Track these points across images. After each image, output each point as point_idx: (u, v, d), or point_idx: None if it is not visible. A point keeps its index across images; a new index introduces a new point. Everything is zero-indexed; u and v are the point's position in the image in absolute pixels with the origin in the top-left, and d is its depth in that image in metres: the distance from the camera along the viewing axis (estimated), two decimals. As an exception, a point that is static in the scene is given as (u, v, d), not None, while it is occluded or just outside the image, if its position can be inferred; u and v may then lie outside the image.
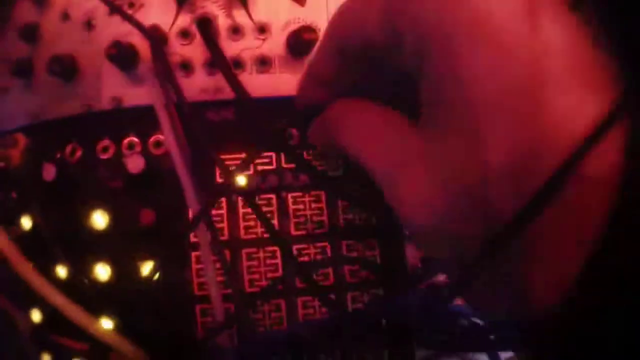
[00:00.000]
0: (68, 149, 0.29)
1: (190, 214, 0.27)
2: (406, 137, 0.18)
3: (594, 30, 0.13)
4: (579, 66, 0.13)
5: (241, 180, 0.28)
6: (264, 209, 0.28)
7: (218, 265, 0.26)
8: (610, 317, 0.12)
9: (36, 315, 0.30)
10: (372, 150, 0.19)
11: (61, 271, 0.28)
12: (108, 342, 0.24)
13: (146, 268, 0.26)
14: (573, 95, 0.12)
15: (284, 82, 0.29)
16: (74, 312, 0.24)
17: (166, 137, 0.25)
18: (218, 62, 0.24)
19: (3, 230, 0.25)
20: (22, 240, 0.28)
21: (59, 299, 0.24)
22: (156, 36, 0.26)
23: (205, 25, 0.26)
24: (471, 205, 0.14)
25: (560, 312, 0.13)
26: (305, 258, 0.28)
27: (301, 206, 0.28)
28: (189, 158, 0.25)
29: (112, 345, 0.24)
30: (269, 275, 0.27)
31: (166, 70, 0.25)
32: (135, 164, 0.26)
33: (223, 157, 0.27)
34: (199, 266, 0.27)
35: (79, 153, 0.29)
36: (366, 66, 0.20)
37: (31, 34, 0.31)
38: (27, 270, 0.25)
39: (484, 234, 0.14)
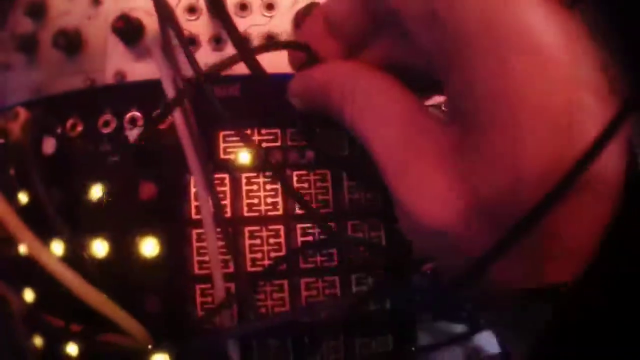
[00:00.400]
0: (69, 123, 0.28)
1: (193, 191, 0.26)
2: (426, 126, 0.17)
3: (592, 28, 0.13)
4: (592, 68, 0.13)
5: (245, 157, 0.27)
6: (268, 186, 0.27)
7: (220, 243, 0.25)
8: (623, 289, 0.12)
9: (29, 295, 0.29)
10: (385, 133, 0.17)
11: (57, 247, 0.27)
12: (111, 317, 0.23)
13: (146, 244, 0.26)
14: (591, 100, 0.13)
15: (290, 59, 0.28)
16: (76, 283, 0.23)
17: (173, 112, 0.25)
18: (232, 36, 0.24)
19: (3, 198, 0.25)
20: (19, 215, 0.27)
21: (59, 268, 0.23)
22: (165, 9, 0.26)
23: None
24: (492, 212, 0.14)
25: (575, 285, 0.13)
26: (310, 237, 0.27)
27: (306, 185, 0.27)
28: (197, 134, 0.25)
29: (115, 320, 0.23)
30: (272, 254, 0.27)
31: (183, 43, 0.24)
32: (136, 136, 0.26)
33: (228, 134, 0.27)
34: (200, 244, 0.26)
35: (79, 127, 0.28)
36: (387, 30, 0.18)
37: (37, 10, 0.31)
38: (29, 239, 0.24)
39: (488, 243, 0.13)
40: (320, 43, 0.20)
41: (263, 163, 0.25)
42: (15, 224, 0.26)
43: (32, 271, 0.28)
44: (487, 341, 0.29)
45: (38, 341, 0.29)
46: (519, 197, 0.13)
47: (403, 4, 0.16)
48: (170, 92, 0.25)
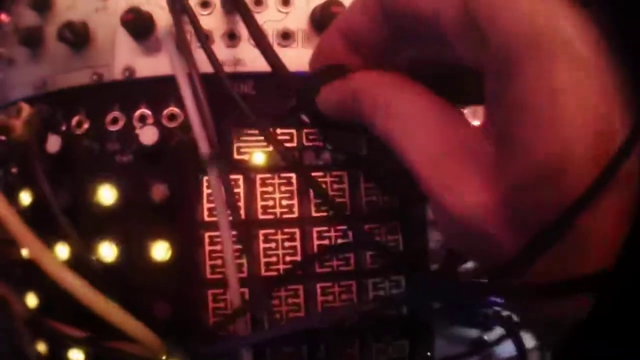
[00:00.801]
0: (74, 120, 0.27)
1: (206, 192, 0.25)
2: (460, 131, 0.17)
3: (604, 28, 0.13)
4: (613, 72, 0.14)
5: (260, 157, 0.26)
6: (283, 188, 0.26)
7: (235, 247, 0.24)
8: None
9: (32, 300, 0.28)
10: (420, 142, 0.17)
11: (62, 250, 0.26)
12: (120, 326, 0.22)
13: (157, 248, 0.25)
14: (618, 104, 0.13)
15: (305, 57, 0.28)
16: (82, 289, 0.22)
17: (189, 109, 0.24)
18: (252, 31, 0.23)
19: (4, 199, 0.23)
20: (21, 216, 0.26)
21: (66, 276, 0.22)
22: (180, 1, 0.25)
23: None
24: (532, 209, 0.14)
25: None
26: (326, 241, 0.26)
27: (322, 187, 0.26)
28: (213, 132, 0.24)
29: (124, 329, 0.22)
30: (287, 258, 0.26)
31: (201, 38, 0.23)
32: (148, 135, 0.25)
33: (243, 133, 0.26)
34: (212, 247, 0.25)
35: (86, 125, 0.27)
36: (411, 39, 0.18)
37: (42, 3, 0.29)
38: (31, 242, 0.23)
39: (525, 239, 0.14)
40: (343, 61, 0.21)
41: (289, 163, 0.24)
42: (16, 226, 0.25)
43: (35, 275, 0.27)
44: (501, 345, 0.29)
45: (42, 347, 0.28)
46: (560, 193, 0.13)
47: (437, 11, 0.16)
48: (185, 89, 0.24)
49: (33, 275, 0.27)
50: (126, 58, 0.27)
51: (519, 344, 0.27)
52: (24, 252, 0.26)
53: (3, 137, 0.28)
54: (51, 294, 0.26)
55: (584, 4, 0.14)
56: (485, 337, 0.28)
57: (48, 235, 0.25)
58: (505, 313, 0.27)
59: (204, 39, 0.24)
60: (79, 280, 0.22)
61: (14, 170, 0.28)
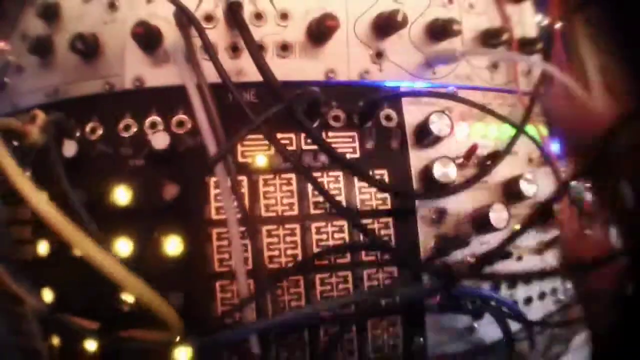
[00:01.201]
0: (88, 126, 0.29)
1: (213, 192, 0.28)
2: None
3: (597, 29, 0.15)
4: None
5: (262, 159, 0.28)
6: (284, 188, 0.28)
7: (242, 241, 0.26)
8: None
9: (48, 295, 0.29)
10: None
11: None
12: (150, 304, 0.23)
13: (169, 243, 0.27)
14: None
15: (302, 67, 0.30)
16: (116, 268, 0.23)
17: (198, 115, 0.26)
18: (248, 45, 0.25)
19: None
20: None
21: (103, 257, 0.23)
22: (188, 16, 0.27)
23: (236, 8, 0.26)
24: None
25: None
26: (323, 236, 0.28)
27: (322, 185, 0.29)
28: (221, 136, 0.26)
29: (154, 307, 0.24)
30: (289, 252, 0.28)
31: (209, 51, 0.25)
32: (159, 140, 0.27)
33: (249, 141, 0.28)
34: (220, 243, 0.27)
35: (100, 131, 0.29)
36: None
37: (50, 12, 0.31)
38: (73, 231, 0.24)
39: None
40: None
41: (293, 164, 0.27)
42: (61, 222, 0.25)
43: (51, 272, 0.29)
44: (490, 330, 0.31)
45: (55, 341, 0.30)
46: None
47: None
48: (195, 97, 0.26)
49: (49, 272, 0.29)
50: (136, 69, 0.29)
51: (505, 329, 0.30)
52: (40, 250, 0.28)
53: (17, 143, 0.30)
54: (67, 289, 0.28)
55: (577, 8, 0.15)
56: (476, 325, 0.31)
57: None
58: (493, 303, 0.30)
59: (212, 50, 0.26)
60: (112, 260, 0.23)
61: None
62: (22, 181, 0.23)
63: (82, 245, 0.22)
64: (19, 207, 0.30)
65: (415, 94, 0.30)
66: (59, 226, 0.22)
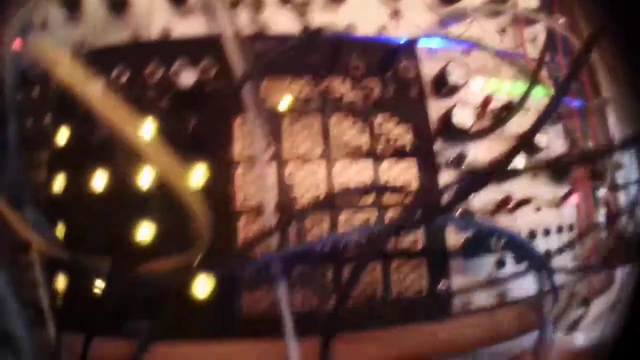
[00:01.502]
0: (114, 72, 0.30)
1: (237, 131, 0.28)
2: None
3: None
4: None
5: (285, 103, 0.29)
6: (306, 130, 0.29)
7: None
8: None
9: (60, 230, 0.28)
10: None
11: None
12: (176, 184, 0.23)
13: (194, 174, 0.27)
14: None
15: (323, 22, 0.31)
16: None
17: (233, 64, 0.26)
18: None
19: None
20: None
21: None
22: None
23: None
24: None
25: None
26: (345, 178, 0.29)
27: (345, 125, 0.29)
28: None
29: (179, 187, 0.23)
30: (311, 193, 0.28)
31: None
32: (186, 78, 0.27)
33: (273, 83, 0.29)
34: (244, 179, 0.27)
35: (125, 76, 0.29)
36: None
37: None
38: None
39: None
40: None
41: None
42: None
43: (66, 210, 0.28)
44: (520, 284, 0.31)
45: (60, 285, 0.28)
46: None
47: None
48: (231, 46, 0.27)
49: (63, 211, 0.28)
50: (163, 20, 0.30)
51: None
52: (56, 187, 0.27)
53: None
54: (80, 229, 0.27)
55: None
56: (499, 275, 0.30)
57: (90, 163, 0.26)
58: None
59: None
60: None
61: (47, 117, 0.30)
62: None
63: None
64: (35, 151, 0.30)
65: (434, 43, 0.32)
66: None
